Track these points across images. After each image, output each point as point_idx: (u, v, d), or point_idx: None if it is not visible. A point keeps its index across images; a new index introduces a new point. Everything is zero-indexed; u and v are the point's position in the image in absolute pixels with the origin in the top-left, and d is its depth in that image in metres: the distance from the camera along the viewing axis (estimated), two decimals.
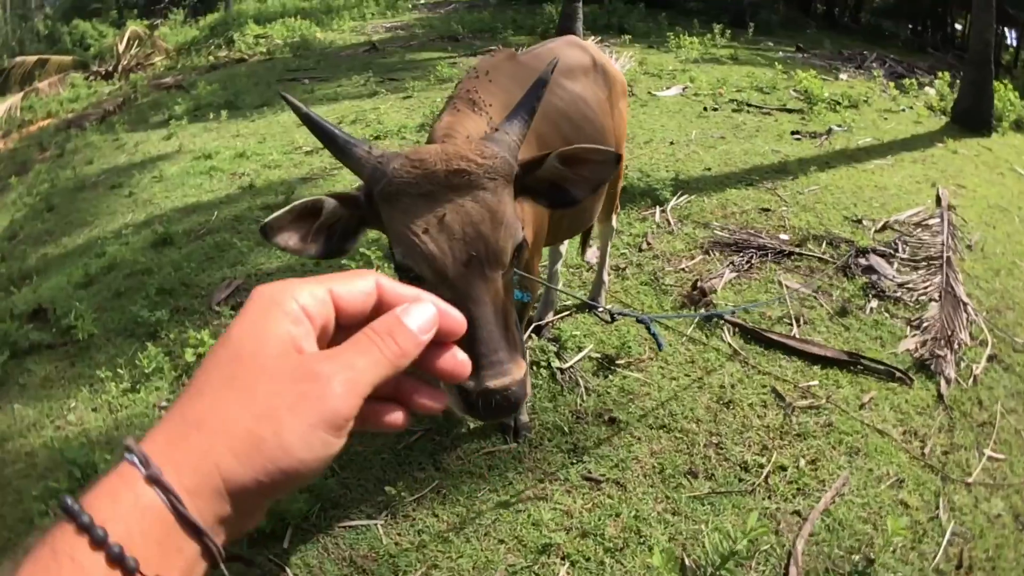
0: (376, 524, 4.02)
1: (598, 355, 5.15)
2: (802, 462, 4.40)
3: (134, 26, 25.46)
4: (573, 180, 2.25)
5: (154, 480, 0.68)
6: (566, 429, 4.58)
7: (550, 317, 5.49)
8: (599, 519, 3.98)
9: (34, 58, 24.42)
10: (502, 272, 1.98)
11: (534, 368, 5.00)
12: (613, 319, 2.64)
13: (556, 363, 5.03)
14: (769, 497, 4.19)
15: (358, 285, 0.88)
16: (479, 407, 1.85)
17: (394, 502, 4.11)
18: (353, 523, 4.04)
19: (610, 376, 4.99)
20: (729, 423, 4.65)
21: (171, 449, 0.72)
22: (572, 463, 4.34)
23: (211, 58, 21.59)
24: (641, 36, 18.68)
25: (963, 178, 9.39)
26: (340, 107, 12.80)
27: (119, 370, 5.38)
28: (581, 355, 5.13)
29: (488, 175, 2.03)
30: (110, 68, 22.79)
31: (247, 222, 7.81)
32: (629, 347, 5.12)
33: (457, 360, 0.95)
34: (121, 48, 23.41)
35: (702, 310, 5.65)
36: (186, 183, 9.69)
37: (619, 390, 4.88)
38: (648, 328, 2.95)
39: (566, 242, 5.61)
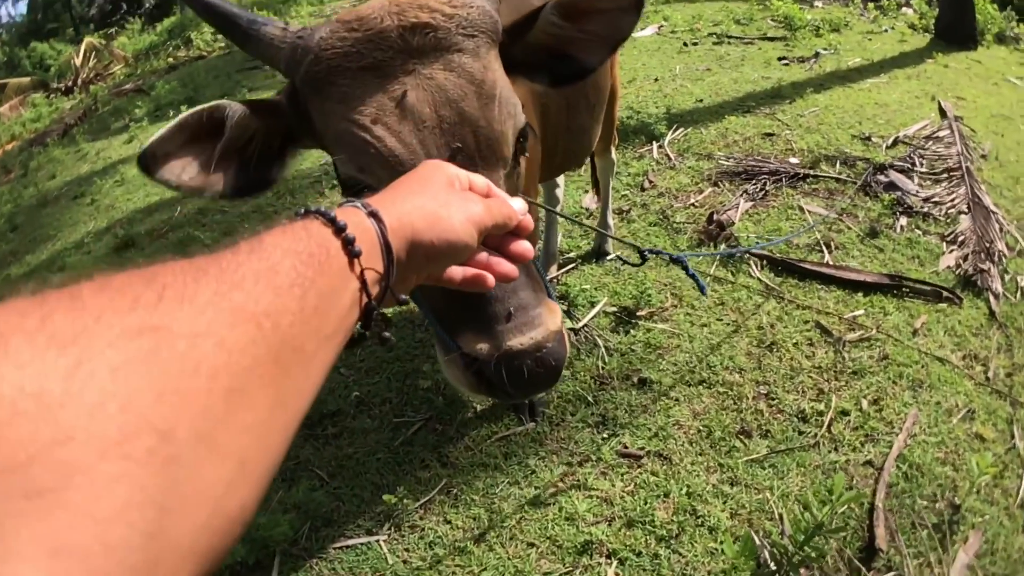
0: (378, 540, 3.33)
1: (614, 309, 4.47)
2: (864, 403, 3.79)
3: (90, 39, 24.94)
4: (580, 41, 1.71)
5: (373, 214, 0.98)
6: (590, 399, 3.89)
7: (553, 272, 4.83)
8: (645, 503, 3.30)
9: None
10: (504, 171, 1.53)
11: None
12: (644, 259, 2.22)
13: (568, 323, 4.32)
14: (836, 449, 3.57)
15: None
16: (504, 379, 1.41)
17: (397, 511, 3.42)
18: (351, 542, 3.36)
19: (632, 331, 4.30)
20: (776, 368, 4.00)
21: (382, 208, 1.00)
22: (603, 439, 3.65)
23: (170, 60, 20.96)
24: None
25: (960, 90, 9.06)
26: None
27: None
28: (595, 311, 4.44)
29: (463, 30, 1.48)
30: (69, 83, 22.17)
31: (211, 214, 7.17)
32: (649, 296, 4.43)
33: (523, 247, 1.25)
34: (79, 62, 22.87)
35: (722, 246, 4.99)
36: (147, 184, 8.99)
37: (644, 346, 4.19)
38: (686, 269, 2.45)
39: (562, 185, 4.91)
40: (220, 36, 21.75)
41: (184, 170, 1.46)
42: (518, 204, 1.25)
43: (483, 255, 1.20)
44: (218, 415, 0.62)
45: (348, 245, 0.89)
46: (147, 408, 0.57)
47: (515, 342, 1.39)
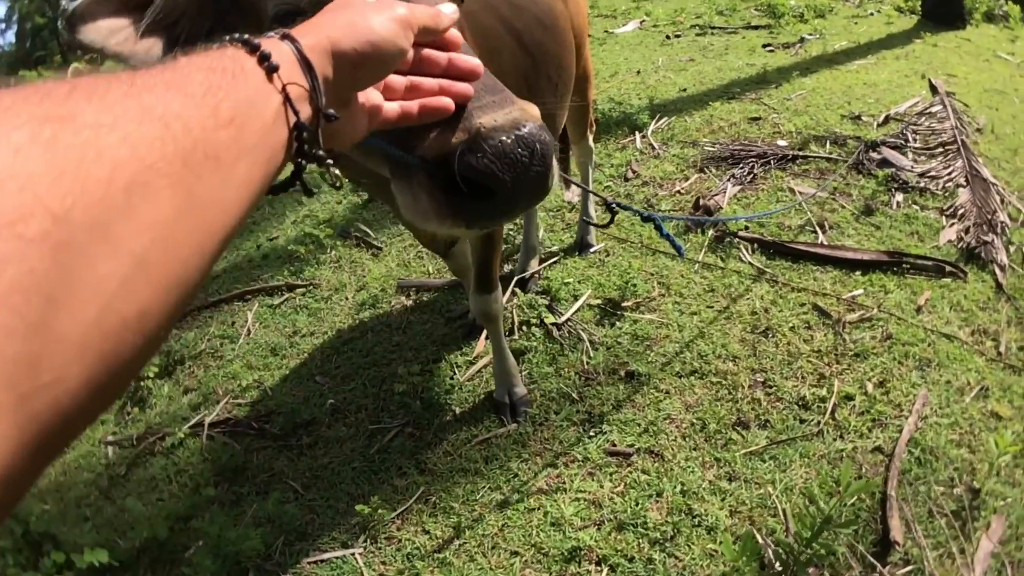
0: (354, 554, 3.10)
1: (599, 301, 4.24)
2: (869, 386, 3.55)
3: (76, 64, 24.99)
4: None
5: (285, 35, 0.93)
6: (575, 396, 3.65)
7: (534, 267, 4.62)
8: (636, 504, 3.05)
9: None
10: None
11: (523, 329, 4.12)
12: (613, 213, 2.07)
13: (550, 318, 4.11)
14: (841, 436, 3.33)
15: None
16: (479, 166, 1.17)
17: (373, 522, 3.18)
18: (326, 556, 3.13)
19: (617, 323, 4.07)
20: (772, 355, 3.76)
21: (297, 33, 0.95)
22: (590, 437, 3.41)
23: None
24: None
25: (950, 68, 8.93)
26: None
27: None
28: (579, 304, 4.22)
29: None
30: None
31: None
32: (634, 285, 4.22)
33: (470, 61, 1.22)
34: None
35: (710, 232, 4.76)
36: None
37: (631, 338, 3.96)
38: (659, 229, 2.29)
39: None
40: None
41: (112, 34, 1.38)
42: (448, 7, 1.20)
43: (432, 82, 1.18)
44: (117, 205, 0.60)
45: (264, 61, 0.86)
46: (44, 190, 0.55)
47: (486, 119, 1.19)
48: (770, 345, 3.82)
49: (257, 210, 6.81)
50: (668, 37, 10.83)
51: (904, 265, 4.36)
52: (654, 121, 6.72)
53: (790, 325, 3.92)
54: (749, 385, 3.59)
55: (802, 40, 10.16)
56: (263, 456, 3.70)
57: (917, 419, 3.36)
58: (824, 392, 3.51)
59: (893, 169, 5.49)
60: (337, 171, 1.02)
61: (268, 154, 0.84)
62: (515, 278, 4.48)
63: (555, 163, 1.28)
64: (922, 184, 5.33)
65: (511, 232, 4.94)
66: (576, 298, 4.28)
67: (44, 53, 36.73)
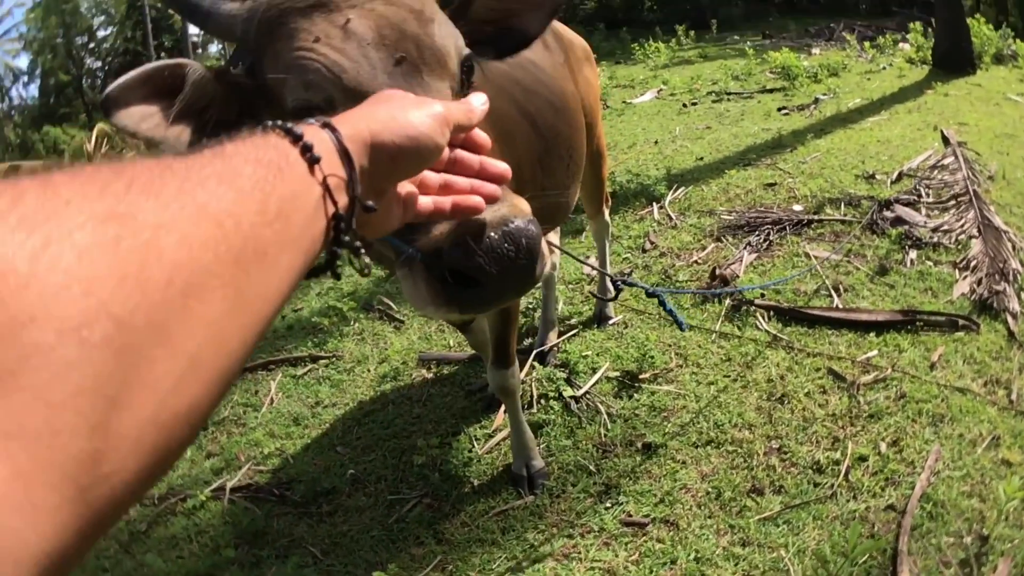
0: None
1: (617, 373, 4.28)
2: (883, 446, 3.58)
3: (102, 125, 25.31)
4: (519, 10, 1.87)
5: (326, 124, 0.95)
6: (592, 468, 3.69)
7: (553, 340, 4.67)
8: (651, 572, 3.07)
9: (5, 166, 24.13)
10: (451, 85, 1.56)
11: (542, 402, 4.16)
12: (618, 290, 2.19)
13: (568, 391, 4.15)
14: (855, 497, 3.34)
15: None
16: (467, 261, 1.30)
17: None
18: None
19: (635, 395, 4.12)
20: (787, 421, 3.80)
21: (336, 121, 0.97)
22: (606, 507, 3.44)
23: None
24: (606, 55, 17.99)
25: (962, 116, 9.08)
26: None
27: None
28: (596, 377, 4.25)
29: None
30: None
31: None
32: (652, 357, 4.26)
33: (499, 167, 1.30)
34: (91, 148, 23.10)
35: (726, 301, 4.81)
36: None
37: (648, 409, 4.01)
38: (662, 304, 2.42)
39: (557, 251, 4.80)
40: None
41: (143, 119, 1.46)
42: (478, 100, 1.26)
43: (465, 181, 1.23)
44: (175, 308, 0.62)
45: (306, 152, 0.87)
46: (108, 294, 0.56)
47: (477, 217, 1.28)
48: (785, 411, 3.85)
49: None
50: (685, 105, 10.97)
51: (918, 322, 4.39)
52: (671, 191, 6.80)
53: (805, 391, 3.96)
54: (764, 452, 3.62)
55: (816, 101, 10.26)
56: (283, 522, 3.73)
57: (929, 475, 3.38)
58: (838, 455, 3.53)
59: (907, 226, 5.55)
60: (368, 260, 1.05)
61: (308, 244, 0.86)
62: (534, 351, 4.53)
63: (544, 252, 1.39)
64: (935, 239, 5.38)
65: (529, 306, 5.01)
66: (594, 371, 4.31)
67: (69, 111, 36.93)
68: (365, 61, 1.46)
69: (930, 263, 5.11)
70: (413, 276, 1.36)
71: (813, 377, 4.08)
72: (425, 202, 1.18)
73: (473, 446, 3.98)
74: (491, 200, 1.24)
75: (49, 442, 0.51)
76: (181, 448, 0.65)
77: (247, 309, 0.72)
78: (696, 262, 5.49)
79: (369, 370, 4.91)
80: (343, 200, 0.93)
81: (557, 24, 4.11)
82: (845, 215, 5.95)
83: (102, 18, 40.22)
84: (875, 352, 4.20)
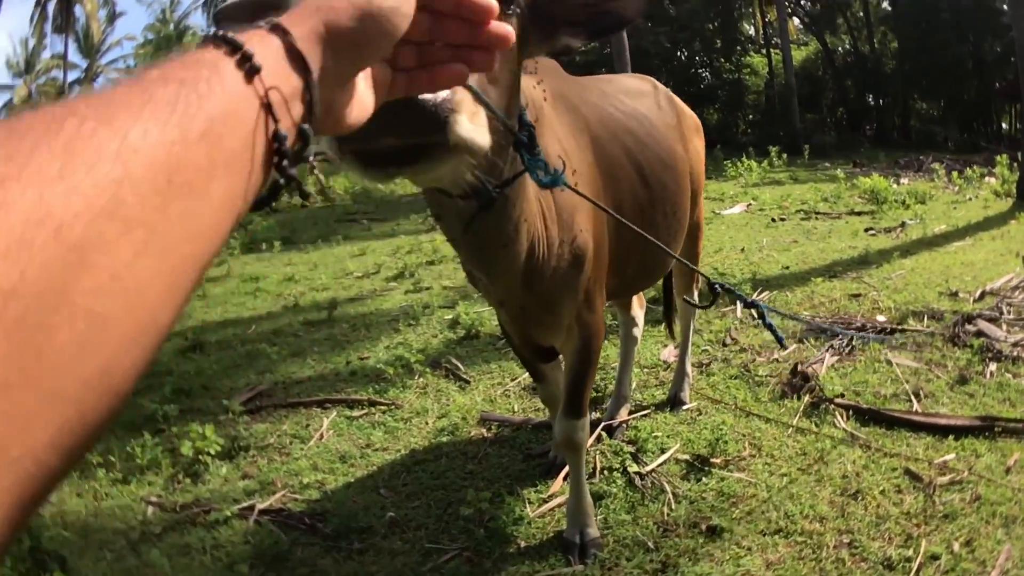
0: None
1: (686, 456, 4.19)
2: (955, 545, 3.43)
3: None
4: None
5: (275, 27, 0.82)
6: (650, 544, 3.54)
7: (623, 415, 4.60)
8: None
9: None
10: None
11: (606, 473, 4.06)
12: (716, 294, 2.22)
13: (634, 467, 4.05)
14: None
15: None
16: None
17: None
18: None
19: (704, 479, 4.01)
20: (860, 516, 3.67)
21: (289, 20, 0.84)
22: None
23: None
24: None
25: None
26: (396, 240, 12.38)
27: (111, 458, 4.54)
28: (665, 456, 4.17)
29: None
30: None
31: (285, 335, 7.19)
32: (725, 443, 4.17)
33: (504, 28, 1.02)
34: None
35: (806, 398, 4.75)
36: (229, 301, 9.17)
37: (716, 494, 3.89)
38: (762, 317, 2.36)
39: (640, 324, 4.82)
40: (324, 189, 22.40)
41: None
42: None
43: (445, 52, 1.03)
44: (69, 266, 0.55)
45: (245, 62, 0.76)
46: None
47: None
48: (859, 507, 3.73)
49: (352, 330, 6.98)
50: (773, 220, 11.04)
51: (996, 429, 4.29)
52: (756, 293, 6.81)
53: (880, 488, 3.84)
54: (834, 545, 3.48)
55: (903, 225, 10.28)
56: (309, 552, 3.61)
57: (1000, 573, 3.26)
58: (910, 552, 3.40)
59: (987, 339, 5.48)
60: (323, 178, 0.86)
61: (248, 168, 0.75)
62: (603, 423, 4.46)
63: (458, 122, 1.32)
64: (1015, 353, 5.31)
65: (602, 381, 4.98)
66: (663, 451, 4.23)
67: None
68: None
69: (1009, 375, 5.01)
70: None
71: (889, 476, 3.96)
72: (400, 80, 1.05)
73: (525, 507, 3.84)
74: (481, 67, 1.05)
75: None
76: (101, 419, 0.59)
77: (169, 252, 0.64)
78: (776, 360, 5.44)
79: (427, 422, 4.87)
80: (298, 111, 0.83)
81: (670, 93, 4.20)
82: (928, 327, 5.88)
83: None
84: (952, 455, 4.08)
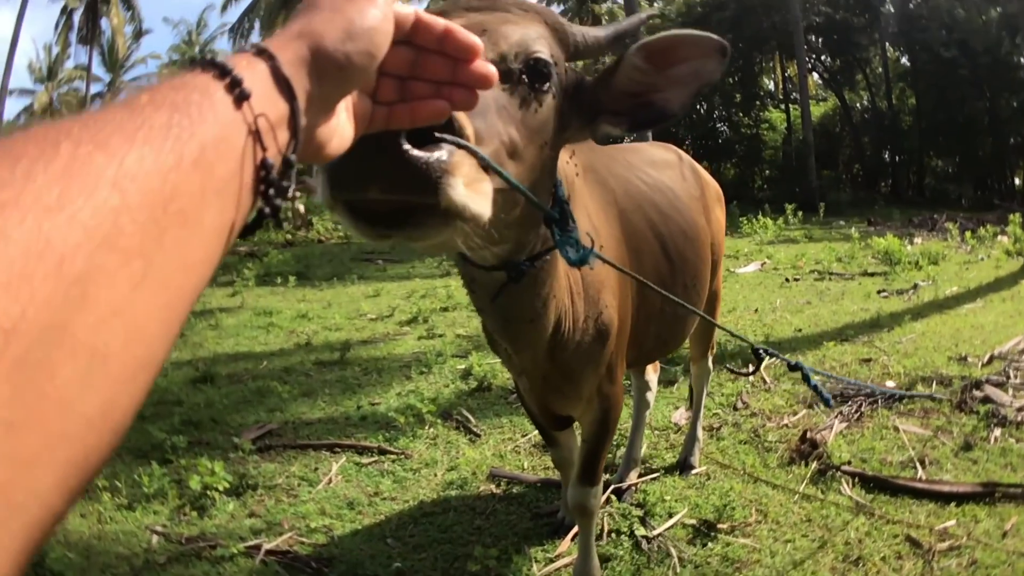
0: None
1: (693, 521, 4.25)
2: None
3: None
4: (664, 86, 1.77)
5: (261, 51, 0.82)
6: None
7: (632, 479, 4.67)
8: None
9: None
10: (501, 55, 1.62)
11: (613, 536, 4.13)
12: (760, 359, 2.28)
13: (641, 531, 4.12)
14: None
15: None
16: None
17: None
18: None
19: (709, 544, 4.08)
20: None
21: (275, 44, 0.84)
22: None
23: (288, 236, 21.49)
24: None
25: None
26: (410, 284, 12.49)
27: (118, 483, 4.59)
28: (672, 521, 4.22)
29: (519, 7, 1.69)
30: None
31: (296, 374, 7.25)
32: (732, 509, 4.25)
33: (485, 67, 1.03)
34: None
35: (813, 464, 4.85)
36: (241, 334, 9.24)
37: (722, 559, 3.96)
38: (806, 378, 2.44)
39: (654, 390, 4.89)
40: (340, 227, 22.49)
41: None
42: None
43: (427, 86, 1.03)
44: (71, 300, 0.54)
45: (234, 87, 0.75)
46: None
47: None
48: (859, 574, 3.81)
49: (364, 374, 7.04)
50: (787, 280, 11.17)
51: (996, 494, 4.37)
52: (767, 356, 6.82)
53: (881, 555, 3.92)
54: None
55: (916, 286, 10.38)
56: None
57: None
58: None
59: (994, 405, 5.57)
60: (301, 207, 0.87)
61: (238, 196, 0.74)
62: (612, 486, 4.51)
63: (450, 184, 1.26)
64: (1019, 418, 5.39)
65: (613, 444, 5.04)
66: (671, 515, 4.28)
67: None
68: None
69: (1013, 440, 5.09)
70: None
71: (891, 543, 4.04)
72: (380, 113, 1.04)
73: (532, 566, 3.88)
74: (462, 105, 1.04)
75: None
76: (102, 457, 0.58)
77: (165, 284, 0.63)
78: (786, 425, 5.51)
79: (436, 474, 4.89)
80: (284, 138, 0.82)
81: (695, 163, 4.26)
82: (936, 393, 5.97)
83: None
84: (953, 521, 4.16)
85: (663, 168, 3.80)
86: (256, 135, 0.76)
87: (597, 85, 1.77)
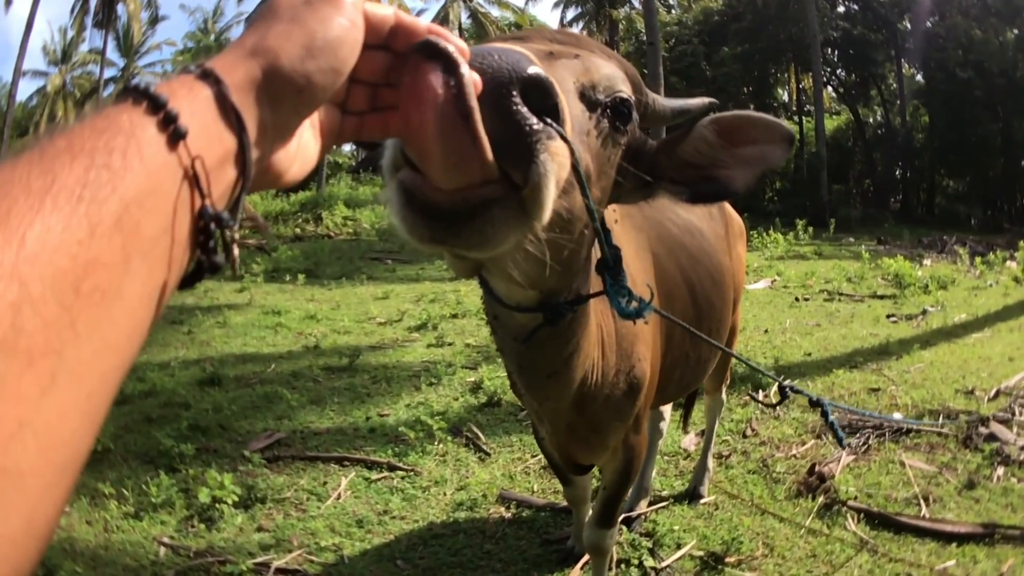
0: None
1: (701, 553, 4.26)
2: None
3: None
4: (730, 163, 1.71)
5: (206, 73, 0.72)
6: None
7: (642, 508, 4.67)
8: None
9: None
10: (583, 89, 1.47)
11: (622, 567, 4.12)
12: (784, 396, 2.21)
13: (649, 561, 4.13)
14: None
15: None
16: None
17: None
18: None
19: None
20: None
21: (220, 64, 0.74)
22: None
23: (297, 230, 21.46)
24: None
25: None
26: (420, 287, 12.56)
27: (125, 491, 4.60)
28: (681, 553, 4.23)
29: (604, 52, 1.60)
30: None
31: (305, 379, 7.25)
32: (739, 542, 4.27)
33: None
34: None
35: (820, 498, 4.88)
36: (249, 333, 9.26)
37: None
38: (824, 415, 2.31)
39: (667, 419, 4.91)
40: (349, 222, 22.39)
41: None
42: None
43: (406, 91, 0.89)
44: None
45: (168, 124, 0.65)
46: None
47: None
48: None
49: (373, 382, 7.03)
50: (797, 299, 11.17)
51: (996, 536, 4.40)
52: (792, 393, 6.81)
53: None
54: None
55: (924, 312, 10.38)
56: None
57: None
58: None
59: (999, 443, 5.58)
60: (236, 253, 0.75)
61: (169, 254, 0.65)
62: (622, 515, 4.45)
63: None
64: (1022, 457, 5.41)
65: None
66: (679, 546, 4.29)
67: None
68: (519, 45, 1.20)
69: (1015, 480, 5.10)
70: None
71: None
72: (349, 123, 0.94)
73: None
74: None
75: None
76: (33, 562, 0.53)
77: (81, 376, 0.55)
78: (795, 456, 5.52)
79: (445, 493, 4.87)
80: (227, 178, 0.73)
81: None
82: (942, 427, 5.96)
83: None
84: (952, 562, 4.18)
85: (691, 207, 3.68)
86: (194, 180, 0.67)
87: (660, 150, 1.72)
